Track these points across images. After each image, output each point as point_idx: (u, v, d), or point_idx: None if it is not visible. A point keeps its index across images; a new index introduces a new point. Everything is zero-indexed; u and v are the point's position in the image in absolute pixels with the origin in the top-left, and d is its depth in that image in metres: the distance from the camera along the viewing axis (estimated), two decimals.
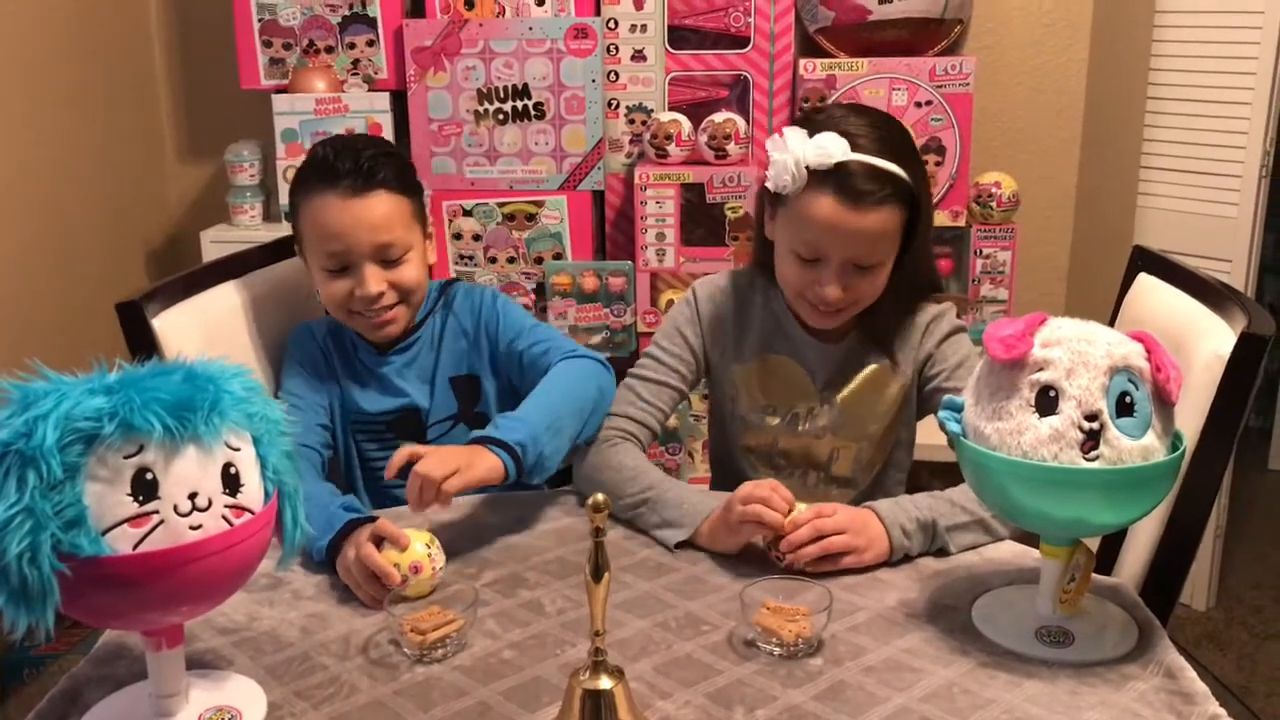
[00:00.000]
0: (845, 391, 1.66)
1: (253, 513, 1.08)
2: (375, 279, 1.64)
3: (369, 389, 1.77)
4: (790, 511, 1.41)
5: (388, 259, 1.65)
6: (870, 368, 1.65)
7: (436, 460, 1.38)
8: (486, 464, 1.42)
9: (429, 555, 1.35)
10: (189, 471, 1.02)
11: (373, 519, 1.40)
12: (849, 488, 1.69)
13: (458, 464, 1.38)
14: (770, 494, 1.41)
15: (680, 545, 1.48)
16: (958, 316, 1.68)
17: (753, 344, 1.69)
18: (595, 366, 1.66)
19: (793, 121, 1.55)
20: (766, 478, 1.68)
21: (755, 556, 1.44)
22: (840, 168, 1.47)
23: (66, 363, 1.10)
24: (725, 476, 1.77)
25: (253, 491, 1.08)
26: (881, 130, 1.52)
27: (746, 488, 1.43)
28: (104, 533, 0.99)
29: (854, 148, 1.48)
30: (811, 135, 1.49)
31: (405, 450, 1.42)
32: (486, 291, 1.81)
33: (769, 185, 1.53)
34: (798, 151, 1.48)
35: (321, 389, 1.75)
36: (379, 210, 1.63)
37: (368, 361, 1.77)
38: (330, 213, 1.62)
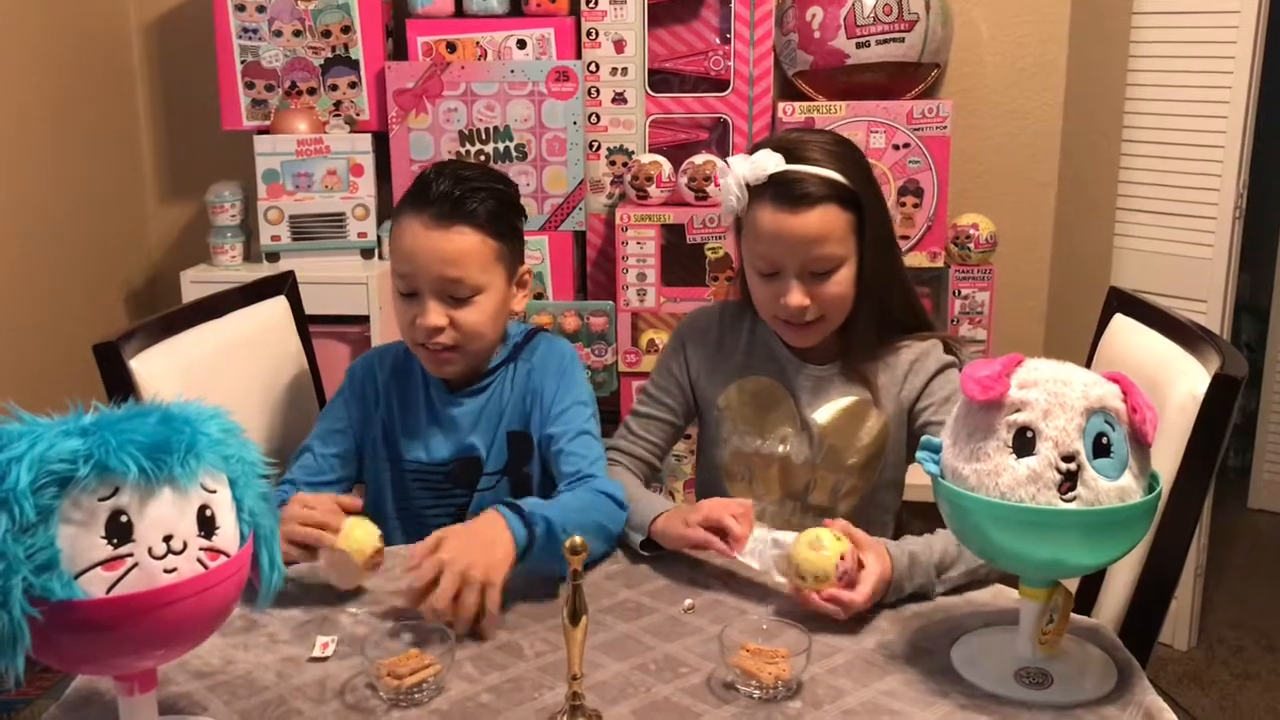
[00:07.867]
0: (825, 420, 1.67)
1: (228, 555, 1.07)
2: (436, 312, 1.59)
3: (430, 433, 1.70)
4: (747, 526, 1.46)
5: (454, 295, 1.59)
6: (851, 399, 1.67)
7: (460, 550, 1.36)
8: (504, 548, 1.38)
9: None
10: (164, 514, 1.02)
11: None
12: (825, 516, 1.69)
13: (483, 559, 1.35)
14: (738, 510, 1.46)
15: (648, 548, 1.55)
16: (946, 353, 1.69)
17: (737, 367, 1.72)
18: (607, 506, 1.57)
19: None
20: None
21: (733, 599, 1.44)
22: (775, 178, 1.56)
23: (45, 404, 1.10)
24: None
25: (228, 534, 1.07)
26: (818, 141, 1.61)
27: (717, 501, 1.49)
28: (77, 576, 0.98)
29: (789, 159, 1.56)
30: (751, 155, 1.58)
31: (437, 535, 1.39)
32: (565, 351, 1.73)
33: (723, 211, 1.63)
34: (738, 171, 1.58)
35: (350, 431, 1.70)
36: (455, 245, 1.58)
37: (438, 401, 1.70)
38: (408, 235, 1.60)
